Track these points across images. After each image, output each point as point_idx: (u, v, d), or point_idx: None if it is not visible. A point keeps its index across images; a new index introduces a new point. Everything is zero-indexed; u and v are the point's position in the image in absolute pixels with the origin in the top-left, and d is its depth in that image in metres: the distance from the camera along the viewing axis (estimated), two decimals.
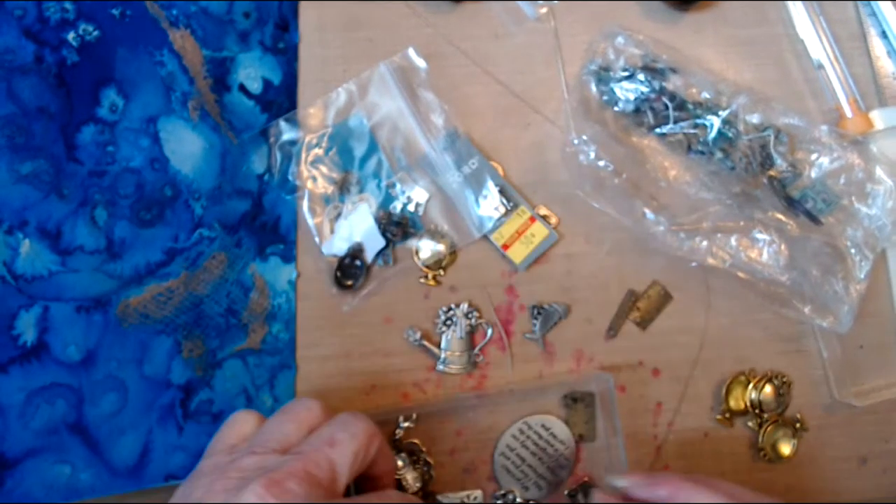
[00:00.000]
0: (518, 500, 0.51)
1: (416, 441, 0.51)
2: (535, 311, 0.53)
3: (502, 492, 0.51)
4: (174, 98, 0.53)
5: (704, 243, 0.51)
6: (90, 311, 0.50)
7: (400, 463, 0.48)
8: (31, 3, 0.52)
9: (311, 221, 0.53)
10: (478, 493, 0.51)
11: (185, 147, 0.53)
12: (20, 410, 0.49)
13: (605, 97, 0.55)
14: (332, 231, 0.53)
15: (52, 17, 0.52)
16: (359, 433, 0.40)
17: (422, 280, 0.53)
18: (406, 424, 0.51)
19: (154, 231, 0.51)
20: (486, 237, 0.54)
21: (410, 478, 0.49)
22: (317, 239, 0.53)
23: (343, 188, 0.54)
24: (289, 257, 0.53)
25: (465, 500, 0.51)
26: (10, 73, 0.51)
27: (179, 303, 0.51)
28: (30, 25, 0.52)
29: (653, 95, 0.54)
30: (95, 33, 0.52)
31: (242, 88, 0.54)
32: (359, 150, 0.54)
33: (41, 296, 0.50)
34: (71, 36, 0.52)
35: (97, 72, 0.52)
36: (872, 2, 0.58)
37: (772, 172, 0.53)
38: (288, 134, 0.53)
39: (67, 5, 0.52)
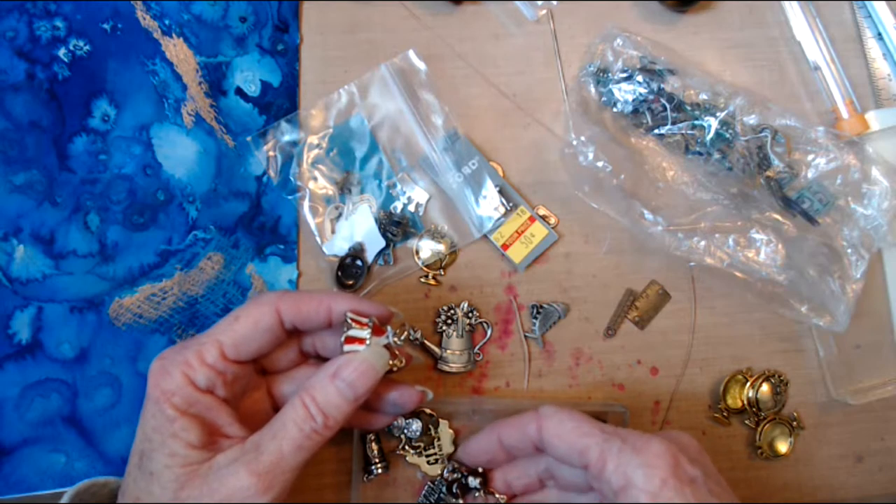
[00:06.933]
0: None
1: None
2: (535, 311, 0.54)
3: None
4: (167, 105, 0.53)
5: (702, 243, 0.51)
6: (83, 312, 0.51)
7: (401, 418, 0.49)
8: (23, 24, 0.53)
9: (312, 221, 0.53)
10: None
11: (178, 152, 0.53)
12: (15, 403, 0.50)
13: (603, 98, 0.55)
14: (333, 231, 0.53)
15: (44, 35, 0.53)
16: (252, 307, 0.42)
17: (422, 280, 0.54)
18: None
19: (147, 234, 0.52)
20: (485, 237, 0.54)
21: (415, 426, 0.50)
22: (318, 239, 0.53)
23: (344, 188, 0.54)
24: (289, 257, 0.53)
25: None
26: (2, 92, 0.53)
27: (174, 303, 0.52)
28: (21, 45, 0.53)
29: (651, 97, 0.54)
30: (87, 48, 0.53)
31: (239, 92, 0.54)
32: (360, 150, 0.54)
33: (35, 297, 0.51)
34: (62, 52, 0.53)
35: (89, 84, 0.53)
36: (868, 3, 0.59)
37: (769, 173, 0.53)
38: (289, 135, 0.53)
39: (58, 23, 0.53)
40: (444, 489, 0.50)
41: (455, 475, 0.49)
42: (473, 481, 0.48)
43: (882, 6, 0.58)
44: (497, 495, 0.48)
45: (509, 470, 0.48)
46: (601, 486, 0.41)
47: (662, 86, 0.54)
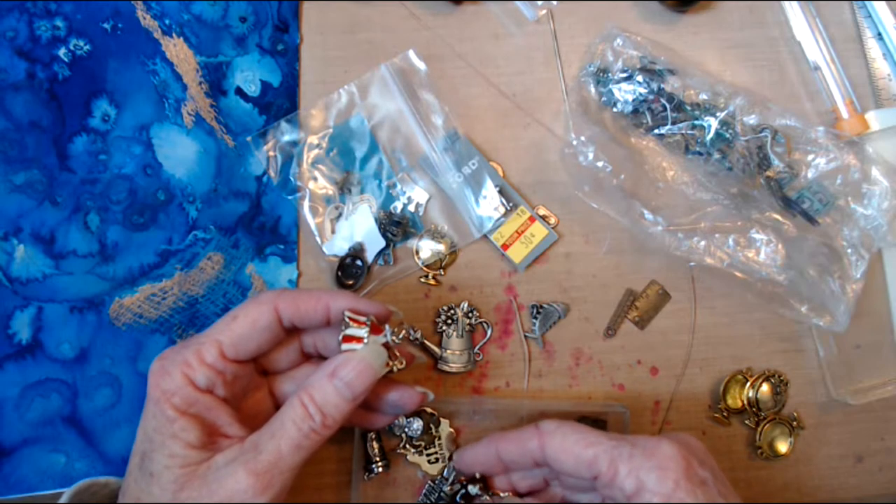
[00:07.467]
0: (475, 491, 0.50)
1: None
2: (535, 311, 0.54)
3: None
4: (167, 105, 0.54)
5: (702, 243, 0.51)
6: (83, 312, 0.51)
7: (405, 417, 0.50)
8: (23, 23, 0.53)
9: (312, 221, 0.53)
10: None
11: (179, 152, 0.53)
12: (15, 403, 0.50)
13: (603, 98, 0.55)
14: (333, 231, 0.53)
15: (44, 35, 0.53)
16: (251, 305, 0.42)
17: (422, 280, 0.54)
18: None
19: (147, 234, 0.52)
20: (486, 237, 0.54)
21: (416, 425, 0.50)
22: (318, 239, 0.53)
23: (344, 188, 0.54)
24: (289, 257, 0.53)
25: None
26: (2, 91, 0.53)
27: (174, 303, 0.52)
28: (21, 45, 0.53)
29: (651, 97, 0.54)
30: (87, 47, 0.53)
31: (239, 92, 0.54)
32: (360, 150, 0.54)
33: (35, 297, 0.51)
34: (62, 52, 0.53)
35: (89, 84, 0.53)
36: (868, 3, 0.59)
37: (769, 173, 0.53)
38: (289, 135, 0.53)
39: (59, 23, 0.53)
40: (444, 489, 0.50)
41: (455, 487, 0.49)
42: (473, 489, 0.48)
43: (882, 6, 0.58)
44: (501, 494, 0.47)
45: (512, 473, 0.48)
46: (612, 493, 0.40)
47: (662, 86, 0.54)
